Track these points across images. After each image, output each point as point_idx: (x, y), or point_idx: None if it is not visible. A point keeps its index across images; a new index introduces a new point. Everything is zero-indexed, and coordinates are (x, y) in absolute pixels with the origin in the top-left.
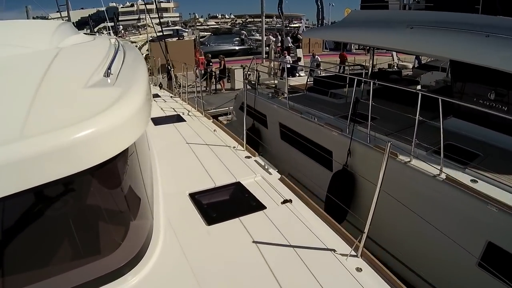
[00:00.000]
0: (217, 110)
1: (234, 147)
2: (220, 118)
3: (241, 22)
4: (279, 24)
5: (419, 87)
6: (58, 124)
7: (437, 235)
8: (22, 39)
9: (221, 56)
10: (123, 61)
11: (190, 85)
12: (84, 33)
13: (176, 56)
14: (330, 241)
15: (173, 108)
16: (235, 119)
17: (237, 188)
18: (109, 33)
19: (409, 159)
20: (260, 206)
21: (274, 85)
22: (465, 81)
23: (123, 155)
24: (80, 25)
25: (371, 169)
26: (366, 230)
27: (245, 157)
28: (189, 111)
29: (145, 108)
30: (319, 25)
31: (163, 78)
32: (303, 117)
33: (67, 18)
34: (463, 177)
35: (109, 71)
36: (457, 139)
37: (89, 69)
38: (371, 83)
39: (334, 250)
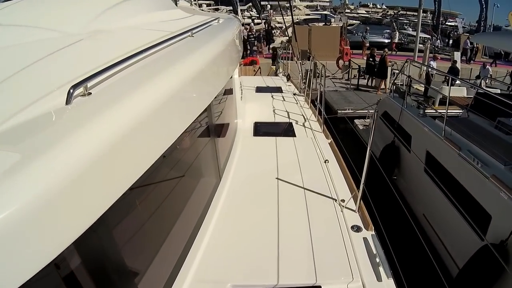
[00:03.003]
0: (355, 111)
1: (343, 200)
2: (356, 121)
3: (393, 13)
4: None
5: None
6: None
7: None
8: (59, 18)
9: (385, 50)
10: (155, 62)
11: (331, 76)
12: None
13: (319, 43)
14: None
15: (288, 112)
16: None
17: None
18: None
19: None
20: None
21: (422, 93)
22: None
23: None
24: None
25: None
26: None
27: (352, 227)
28: (306, 120)
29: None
30: (482, 28)
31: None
32: (462, 156)
33: None
34: None
35: (72, 91)
36: None
37: (66, 83)
38: None
39: None
